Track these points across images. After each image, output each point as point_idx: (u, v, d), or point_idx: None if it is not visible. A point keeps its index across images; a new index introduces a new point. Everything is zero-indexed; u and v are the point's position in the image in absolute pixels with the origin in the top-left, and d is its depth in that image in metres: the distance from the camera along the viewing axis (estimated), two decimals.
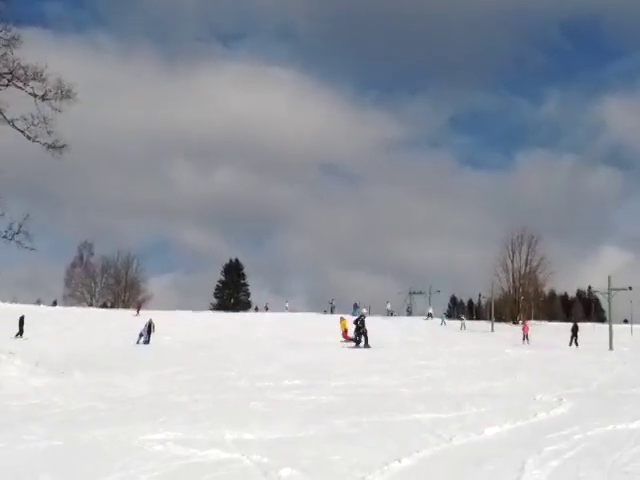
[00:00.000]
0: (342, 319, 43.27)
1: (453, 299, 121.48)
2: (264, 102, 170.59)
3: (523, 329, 51.36)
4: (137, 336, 40.72)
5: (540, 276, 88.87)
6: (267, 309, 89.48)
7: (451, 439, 11.52)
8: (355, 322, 38.14)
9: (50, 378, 20.75)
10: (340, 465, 9.53)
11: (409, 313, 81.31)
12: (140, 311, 70.65)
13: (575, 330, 44.83)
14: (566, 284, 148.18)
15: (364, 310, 45.79)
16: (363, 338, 36.34)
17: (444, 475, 9.05)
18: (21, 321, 43.57)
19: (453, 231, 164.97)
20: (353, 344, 36.89)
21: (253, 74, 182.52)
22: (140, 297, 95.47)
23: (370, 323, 63.84)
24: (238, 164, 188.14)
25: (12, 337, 41.04)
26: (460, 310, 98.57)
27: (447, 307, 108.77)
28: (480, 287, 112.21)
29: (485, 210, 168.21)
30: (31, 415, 14.22)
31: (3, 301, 73.84)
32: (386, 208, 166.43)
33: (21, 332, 43.04)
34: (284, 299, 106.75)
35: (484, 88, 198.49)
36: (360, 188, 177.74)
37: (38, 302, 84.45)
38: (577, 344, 43.63)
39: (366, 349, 34.80)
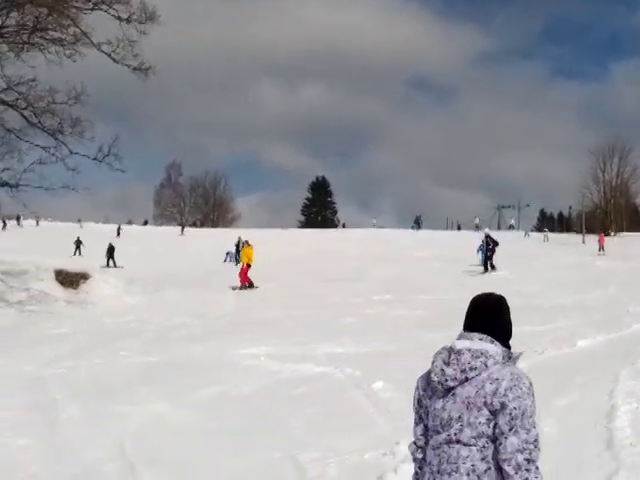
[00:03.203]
0: (247, 243, 30.48)
1: (542, 212, 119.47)
2: (350, 17, 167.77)
3: (599, 240, 50.43)
4: (224, 254, 41.38)
5: (632, 187, 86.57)
6: (344, 226, 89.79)
7: (543, 352, 11.41)
8: (487, 244, 32.26)
9: (143, 296, 21.27)
10: None
11: (477, 227, 79.62)
12: (184, 230, 70.49)
13: None
14: None
15: (486, 229, 38.98)
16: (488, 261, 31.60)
17: (536, 387, 8.95)
18: (110, 251, 37.81)
19: (544, 144, 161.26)
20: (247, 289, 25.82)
21: None
22: (185, 218, 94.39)
23: (457, 237, 63.64)
24: (323, 80, 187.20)
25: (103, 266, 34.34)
26: (549, 223, 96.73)
27: (536, 220, 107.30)
28: (570, 200, 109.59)
29: (577, 122, 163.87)
30: (127, 331, 14.66)
31: (96, 222, 75.78)
32: (476, 122, 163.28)
33: (114, 263, 36.89)
34: (372, 216, 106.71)
35: None
36: (449, 102, 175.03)
37: (129, 222, 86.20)
38: None
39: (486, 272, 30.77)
